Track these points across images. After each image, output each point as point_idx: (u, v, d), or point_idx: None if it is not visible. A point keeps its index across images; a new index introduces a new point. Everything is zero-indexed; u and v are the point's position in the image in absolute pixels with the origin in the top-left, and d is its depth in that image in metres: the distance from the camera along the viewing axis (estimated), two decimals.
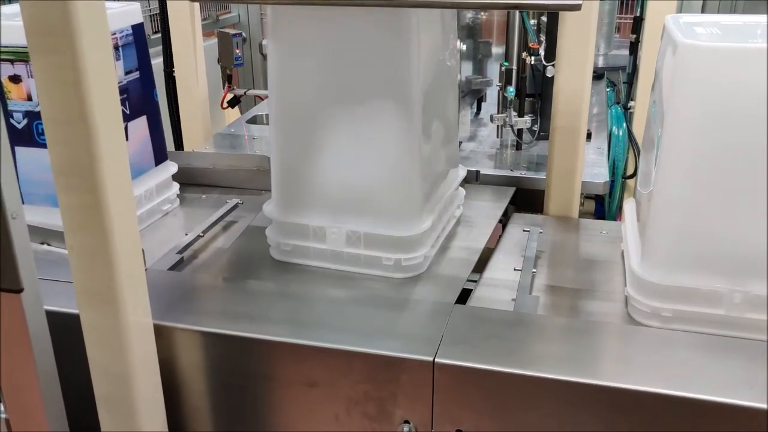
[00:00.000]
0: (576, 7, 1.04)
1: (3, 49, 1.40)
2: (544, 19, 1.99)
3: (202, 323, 1.18)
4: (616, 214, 2.10)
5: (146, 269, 1.31)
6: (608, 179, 1.83)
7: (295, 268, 1.43)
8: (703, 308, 1.16)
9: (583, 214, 1.73)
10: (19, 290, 0.83)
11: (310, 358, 1.13)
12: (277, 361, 1.16)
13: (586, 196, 1.94)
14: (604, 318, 1.25)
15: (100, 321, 1.02)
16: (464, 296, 1.32)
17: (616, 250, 1.47)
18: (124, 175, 1.00)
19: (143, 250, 1.17)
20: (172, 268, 1.42)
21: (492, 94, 2.27)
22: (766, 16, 1.24)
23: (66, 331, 1.07)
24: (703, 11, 4.00)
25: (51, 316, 1.00)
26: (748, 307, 1.14)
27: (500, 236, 1.57)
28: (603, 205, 2.10)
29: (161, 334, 1.14)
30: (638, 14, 2.19)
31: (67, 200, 0.96)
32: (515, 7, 1.13)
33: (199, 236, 1.55)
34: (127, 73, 1.54)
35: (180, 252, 1.47)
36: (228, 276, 1.44)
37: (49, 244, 1.45)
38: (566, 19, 1.52)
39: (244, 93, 3.02)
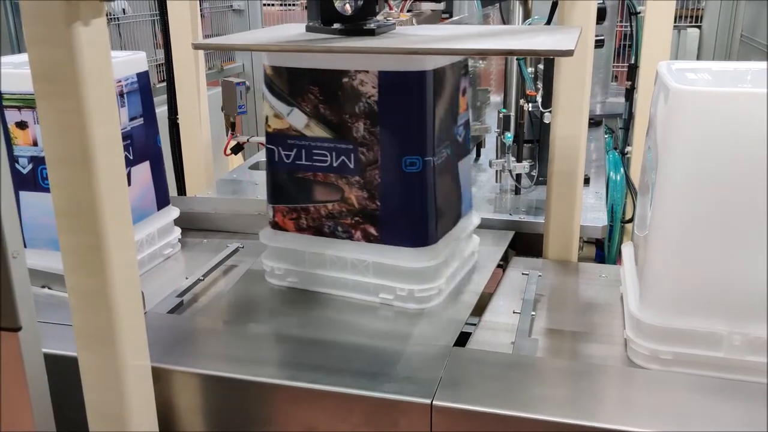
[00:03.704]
0: (569, 53, 1.06)
1: (11, 96, 1.43)
2: (541, 66, 2.03)
3: (201, 366, 1.18)
4: (615, 259, 2.10)
5: (146, 312, 1.32)
6: (607, 223, 1.84)
7: (294, 310, 1.43)
8: (703, 351, 1.15)
9: (583, 260, 1.74)
10: (17, 329, 0.84)
11: (308, 401, 1.12)
12: (275, 404, 1.15)
13: (585, 241, 1.94)
14: (604, 361, 1.24)
15: (98, 362, 1.02)
16: (463, 339, 1.32)
17: (615, 294, 1.47)
18: (124, 218, 1.01)
19: (143, 293, 1.17)
20: (171, 312, 1.42)
21: (491, 140, 2.30)
22: (756, 62, 1.27)
23: (64, 374, 1.07)
24: (698, 58, 4.08)
25: (50, 358, 1.00)
26: (747, 350, 1.13)
27: (500, 280, 1.57)
28: (603, 250, 2.11)
29: (159, 377, 1.14)
30: (633, 62, 2.24)
31: (68, 241, 0.97)
32: (510, 53, 1.16)
33: (199, 280, 1.56)
34: (131, 119, 1.57)
35: (180, 295, 1.47)
36: (227, 319, 1.44)
37: (50, 288, 1.46)
38: (562, 67, 1.55)
39: (247, 140, 3.06)
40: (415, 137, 1.33)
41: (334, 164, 1.38)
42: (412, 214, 1.37)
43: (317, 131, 1.37)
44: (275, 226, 1.48)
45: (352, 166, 1.37)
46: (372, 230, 1.39)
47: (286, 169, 1.42)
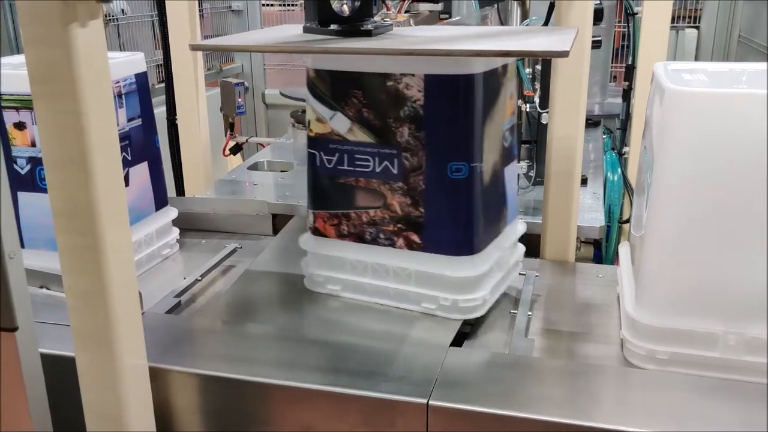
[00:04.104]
0: (564, 54, 1.07)
1: (9, 97, 1.43)
2: (538, 67, 2.04)
3: (198, 366, 1.18)
4: (613, 259, 2.11)
5: (143, 312, 1.33)
6: (604, 224, 1.85)
7: (291, 310, 1.43)
8: (699, 351, 1.15)
9: (581, 260, 1.74)
10: (14, 329, 0.84)
11: (304, 401, 1.13)
12: (271, 404, 1.15)
13: (583, 241, 1.95)
14: (600, 361, 1.25)
15: (95, 362, 1.03)
16: (460, 339, 1.32)
17: (611, 294, 1.47)
18: (122, 218, 1.02)
19: (141, 294, 1.18)
20: (169, 312, 1.42)
21: None
22: (752, 63, 1.27)
23: (62, 375, 1.07)
24: (696, 59, 4.08)
25: (47, 358, 1.00)
26: (743, 350, 1.14)
27: None
28: (600, 251, 2.11)
29: (157, 377, 1.14)
30: (630, 62, 2.24)
31: (66, 241, 0.98)
32: (506, 54, 1.17)
33: (197, 280, 1.56)
34: (129, 120, 1.58)
35: (178, 296, 1.47)
36: (224, 319, 1.44)
37: (48, 288, 1.46)
38: (559, 67, 1.55)
39: (246, 140, 3.07)
40: (461, 142, 1.28)
41: (377, 170, 1.34)
42: (457, 221, 1.32)
43: (360, 136, 1.33)
44: (316, 231, 1.44)
45: (395, 171, 1.33)
46: (415, 238, 1.35)
47: (328, 174, 1.38)
